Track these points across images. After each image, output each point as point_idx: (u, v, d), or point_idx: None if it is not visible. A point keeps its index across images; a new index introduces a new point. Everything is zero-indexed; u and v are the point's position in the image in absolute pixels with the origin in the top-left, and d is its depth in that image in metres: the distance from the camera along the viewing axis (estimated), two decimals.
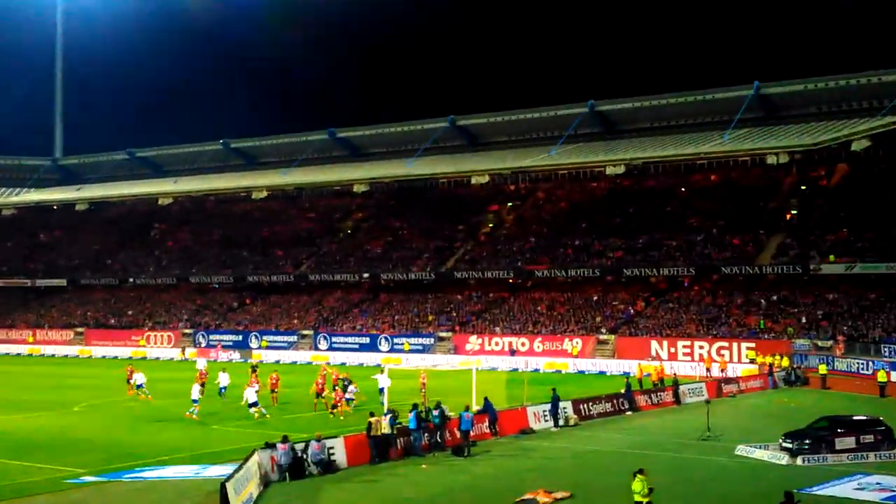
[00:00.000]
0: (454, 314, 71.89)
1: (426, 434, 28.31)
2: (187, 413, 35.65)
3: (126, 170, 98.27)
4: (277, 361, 66.72)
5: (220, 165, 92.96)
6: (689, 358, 57.00)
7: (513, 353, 63.70)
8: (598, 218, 75.07)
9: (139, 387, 42.79)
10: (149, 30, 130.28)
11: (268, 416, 35.79)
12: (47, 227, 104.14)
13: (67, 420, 36.24)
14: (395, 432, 27.43)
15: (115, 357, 74.66)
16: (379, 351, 68.32)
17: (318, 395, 38.54)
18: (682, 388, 42.09)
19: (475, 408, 32.05)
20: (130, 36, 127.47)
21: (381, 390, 36.96)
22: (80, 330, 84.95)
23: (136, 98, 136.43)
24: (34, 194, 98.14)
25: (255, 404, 36.02)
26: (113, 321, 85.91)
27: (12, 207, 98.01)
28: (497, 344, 65.68)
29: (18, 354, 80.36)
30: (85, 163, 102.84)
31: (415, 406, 28.68)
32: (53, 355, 79.15)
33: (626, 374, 50.75)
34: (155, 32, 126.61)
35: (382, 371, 38.95)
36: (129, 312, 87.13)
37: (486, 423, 31.18)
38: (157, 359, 73.17)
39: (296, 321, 77.07)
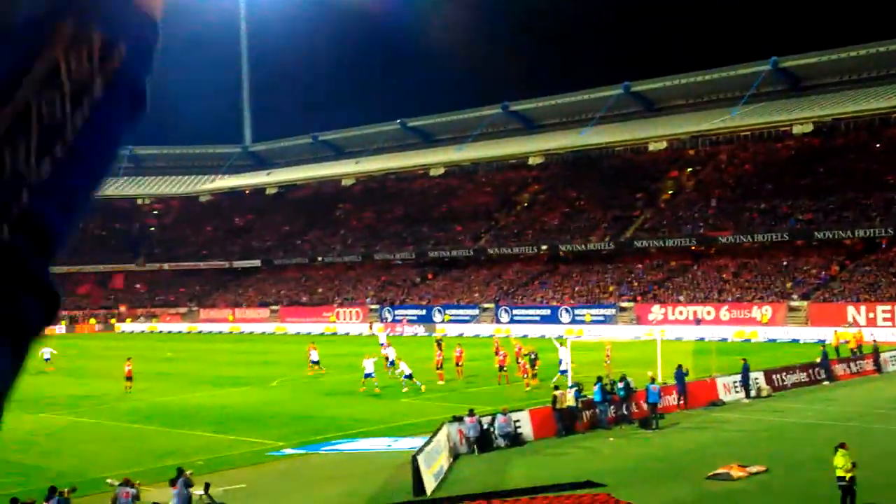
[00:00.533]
0: (635, 284, 70.83)
1: (612, 407, 28.13)
2: (361, 388, 36.57)
3: (310, 153, 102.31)
4: (460, 335, 67.74)
5: (398, 144, 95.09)
6: (889, 323, 53.91)
7: (698, 322, 62.16)
8: (785, 179, 71.86)
9: (315, 363, 44.40)
10: (326, 18, 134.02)
11: (423, 387, 36.31)
12: (241, 211, 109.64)
13: (266, 395, 38.13)
14: (580, 405, 27.40)
15: (309, 333, 77.85)
16: (560, 323, 68.16)
17: (501, 368, 38.86)
18: (883, 355, 39.91)
19: (660, 379, 31.57)
20: (309, 26, 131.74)
21: (561, 362, 36.89)
22: (275, 308, 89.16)
23: (317, 84, 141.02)
24: (228, 180, 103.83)
25: (409, 377, 36.85)
26: (305, 299, 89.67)
27: (209, 194, 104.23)
28: (681, 313, 64.24)
29: (220, 332, 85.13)
30: (272, 148, 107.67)
31: (599, 379, 28.53)
32: (252, 332, 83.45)
33: (822, 342, 48.52)
34: (331, 20, 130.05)
35: (563, 343, 38.80)
36: (320, 290, 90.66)
37: (675, 395, 30.62)
38: (347, 334, 75.88)
39: (477, 295, 78.02)
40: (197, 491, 19.40)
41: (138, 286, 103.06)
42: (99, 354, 58.94)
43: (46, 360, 46.41)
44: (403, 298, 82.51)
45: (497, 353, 40.50)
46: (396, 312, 79.07)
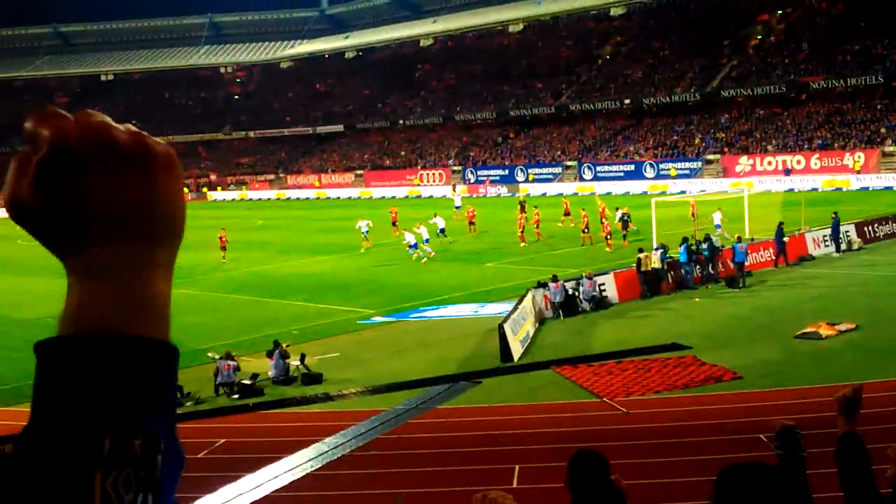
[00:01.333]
0: (722, 135, 69.17)
1: (698, 266, 28.03)
2: (418, 257, 36.67)
3: (388, 13, 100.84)
4: (543, 194, 67.62)
5: (477, 1, 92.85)
6: None
7: (787, 172, 60.72)
8: (880, 18, 68.19)
9: (364, 233, 42.32)
10: None
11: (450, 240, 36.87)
12: (322, 75, 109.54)
13: (354, 262, 38.90)
14: (665, 266, 27.35)
15: (393, 197, 78.82)
16: (644, 178, 67.39)
17: (585, 229, 38.60)
18: None
19: (748, 235, 31.19)
20: None
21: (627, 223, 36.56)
22: (359, 172, 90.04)
23: None
24: (307, 45, 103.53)
25: (442, 231, 39.33)
26: (388, 162, 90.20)
27: (289, 60, 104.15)
28: (770, 164, 62.76)
29: (307, 199, 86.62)
30: (350, 10, 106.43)
31: (685, 239, 28.32)
32: (338, 198, 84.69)
33: None
34: None
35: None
36: (402, 153, 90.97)
37: (772, 252, 30.25)
38: (431, 197, 76.40)
39: (559, 152, 77.31)
40: (293, 361, 20.24)
41: (225, 154, 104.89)
42: (191, 224, 60.52)
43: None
44: (485, 159, 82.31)
45: (566, 214, 41.13)
46: (479, 173, 79.09)
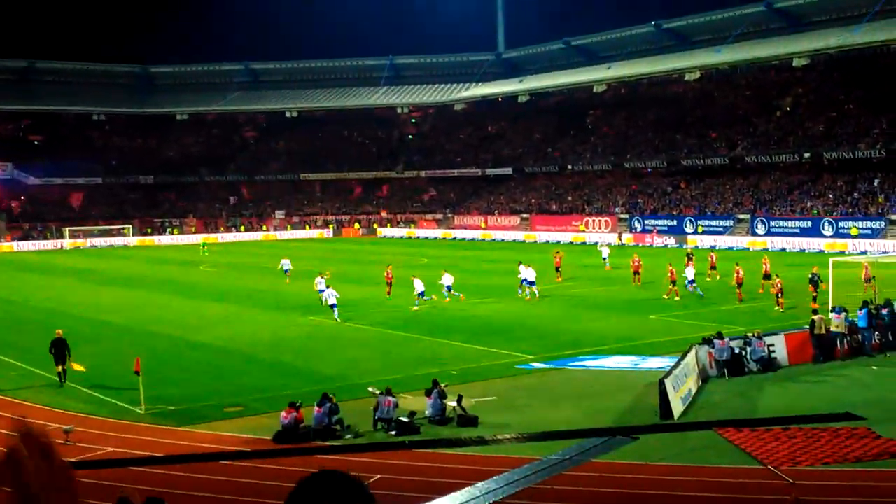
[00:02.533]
0: None
1: (877, 333, 26.57)
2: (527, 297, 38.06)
3: (562, 59, 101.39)
4: (713, 247, 65.76)
5: (652, 48, 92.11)
6: None
7: None
8: None
9: (529, 283, 40.91)
10: None
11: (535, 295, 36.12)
12: (494, 118, 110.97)
13: (517, 306, 38.96)
14: (844, 330, 26.03)
15: (558, 241, 78.57)
16: (822, 236, 64.55)
17: (738, 284, 37.31)
18: None
19: None
20: None
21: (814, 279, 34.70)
22: (525, 216, 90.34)
23: None
24: (481, 88, 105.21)
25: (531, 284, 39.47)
26: (554, 207, 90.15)
27: (463, 102, 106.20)
28: None
29: (473, 239, 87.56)
30: (525, 55, 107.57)
31: (865, 303, 26.95)
32: (503, 240, 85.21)
33: None
34: None
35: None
36: (569, 198, 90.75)
37: None
38: (596, 244, 75.75)
39: (731, 205, 75.21)
40: (450, 402, 20.41)
41: (397, 193, 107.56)
42: (360, 259, 62.37)
43: (286, 272, 48.93)
44: (654, 208, 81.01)
45: (712, 268, 42.18)
46: (646, 222, 77.89)
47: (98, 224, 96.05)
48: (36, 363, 27.55)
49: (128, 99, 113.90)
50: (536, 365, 25.90)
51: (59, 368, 25.03)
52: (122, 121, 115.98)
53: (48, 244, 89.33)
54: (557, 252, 50.28)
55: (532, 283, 40.00)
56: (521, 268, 41.40)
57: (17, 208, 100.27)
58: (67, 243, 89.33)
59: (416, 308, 37.71)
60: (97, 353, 29.42)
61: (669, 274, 38.79)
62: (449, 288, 39.93)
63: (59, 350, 25.11)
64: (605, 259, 52.44)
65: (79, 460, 17.65)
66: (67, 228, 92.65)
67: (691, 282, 38.41)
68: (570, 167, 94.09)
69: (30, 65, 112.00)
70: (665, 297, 38.55)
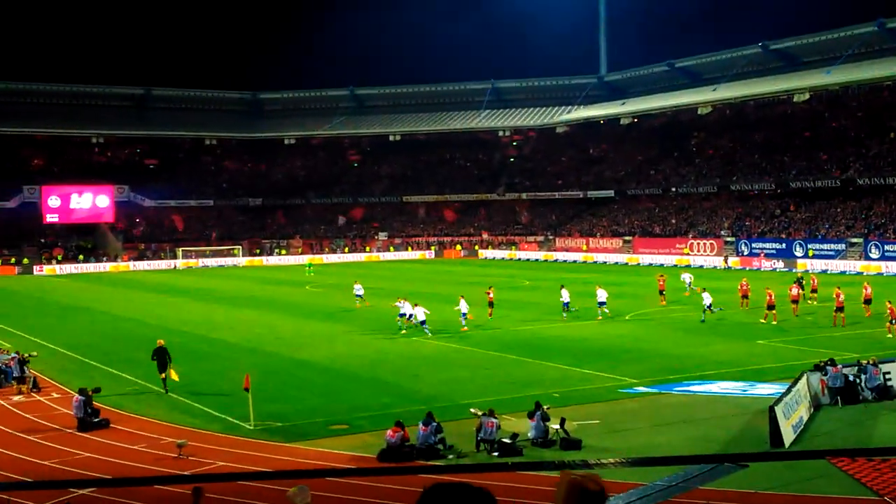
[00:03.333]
0: None
1: None
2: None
3: (666, 81, 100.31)
4: (824, 271, 63.92)
5: (759, 69, 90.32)
6: None
7: None
8: None
9: (600, 304, 41.75)
10: None
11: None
12: (596, 141, 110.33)
13: (620, 328, 38.57)
14: None
15: (661, 265, 77.51)
16: None
17: (839, 308, 36.45)
18: None
19: None
20: None
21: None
22: (627, 238, 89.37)
23: (673, 9, 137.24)
24: (583, 111, 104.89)
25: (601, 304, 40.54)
26: (657, 230, 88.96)
27: (565, 125, 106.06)
28: None
29: (574, 262, 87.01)
30: (627, 77, 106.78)
31: None
32: (605, 262, 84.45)
33: None
34: None
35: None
36: (673, 221, 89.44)
37: None
38: (701, 267, 74.43)
39: (843, 228, 72.92)
40: (553, 424, 20.35)
41: (497, 215, 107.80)
42: (461, 280, 62.60)
43: (359, 296, 47.97)
44: (762, 231, 79.15)
45: (813, 291, 41.75)
46: (753, 246, 76.14)
47: (209, 245, 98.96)
48: (151, 379, 28.57)
49: (238, 124, 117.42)
50: (640, 389, 25.58)
51: (162, 376, 26.79)
52: (233, 145, 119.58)
53: (162, 264, 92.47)
54: (661, 275, 49.58)
55: (603, 304, 41.64)
56: (599, 290, 42.35)
57: (133, 229, 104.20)
58: (180, 263, 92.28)
59: (464, 328, 38.29)
60: (209, 370, 30.36)
61: (768, 297, 37.97)
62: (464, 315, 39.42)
63: (161, 358, 26.89)
64: (688, 285, 51.02)
65: (191, 473, 18.26)
66: (180, 249, 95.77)
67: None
68: (673, 189, 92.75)
69: (146, 92, 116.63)
70: (762, 321, 37.76)
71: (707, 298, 39.86)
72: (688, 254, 79.94)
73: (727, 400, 24.14)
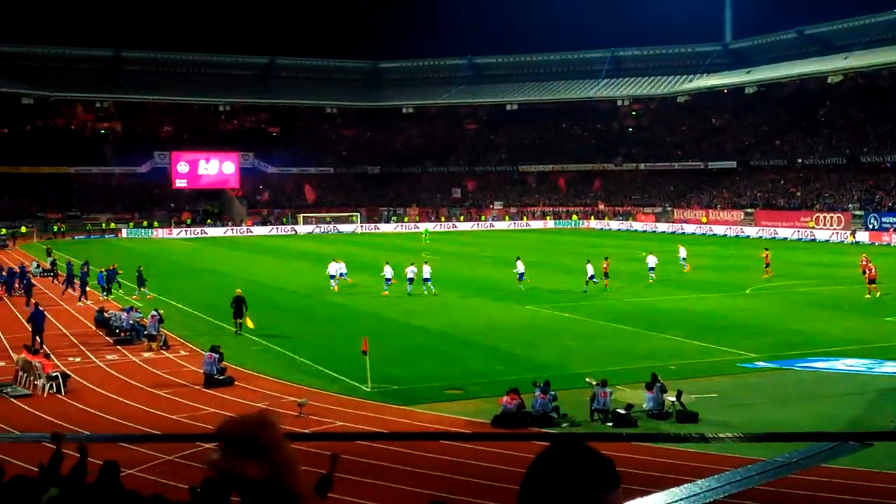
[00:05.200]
0: None
1: None
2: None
3: (794, 49, 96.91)
4: None
5: (894, 37, 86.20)
6: None
7: None
8: None
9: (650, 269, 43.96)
10: None
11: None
12: (718, 110, 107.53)
13: (739, 302, 37.74)
14: None
15: (784, 238, 75.31)
16: None
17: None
18: None
19: None
20: None
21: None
22: (749, 210, 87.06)
23: None
24: (706, 80, 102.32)
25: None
26: (781, 202, 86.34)
27: (686, 94, 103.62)
28: None
29: (693, 234, 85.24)
30: (753, 45, 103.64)
31: None
32: (724, 235, 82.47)
33: None
34: None
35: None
36: (798, 193, 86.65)
37: None
38: (827, 241, 72.00)
39: None
40: (669, 397, 20.17)
41: (614, 185, 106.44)
42: (576, 251, 62.23)
43: (342, 275, 43.45)
44: (893, 205, 75.91)
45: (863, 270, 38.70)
46: (883, 220, 73.14)
47: (328, 211, 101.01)
48: (275, 340, 29.54)
49: (358, 93, 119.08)
50: (761, 364, 25.04)
51: (238, 321, 30.82)
52: (353, 114, 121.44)
53: (284, 229, 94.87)
54: (766, 249, 48.14)
55: (652, 269, 43.74)
56: (649, 256, 44.90)
57: (256, 195, 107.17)
58: (301, 229, 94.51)
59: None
60: (328, 333, 31.18)
61: (868, 271, 37.23)
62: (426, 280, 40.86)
63: (238, 306, 30.89)
64: (683, 261, 49.51)
65: (311, 432, 18.86)
66: (301, 215, 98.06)
67: None
68: (799, 161, 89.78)
69: (270, 61, 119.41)
70: (867, 296, 36.57)
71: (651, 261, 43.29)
72: (812, 227, 77.35)
73: (851, 377, 23.44)
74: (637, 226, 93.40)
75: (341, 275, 42.84)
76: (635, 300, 38.50)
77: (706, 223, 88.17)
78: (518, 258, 42.13)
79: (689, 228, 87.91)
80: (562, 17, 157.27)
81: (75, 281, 42.64)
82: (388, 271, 41.66)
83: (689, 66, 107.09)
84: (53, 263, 51.97)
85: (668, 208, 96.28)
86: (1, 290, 43.42)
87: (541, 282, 43.37)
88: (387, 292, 40.73)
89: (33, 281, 43.69)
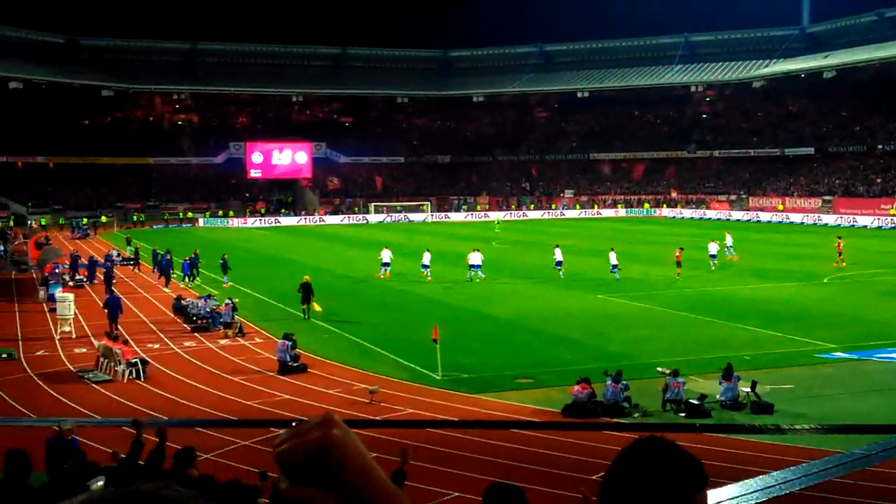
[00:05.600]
0: None
1: None
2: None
3: (874, 32, 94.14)
4: None
5: None
6: None
7: None
8: None
9: (711, 257, 44.10)
10: None
11: None
12: (795, 96, 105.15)
13: (816, 291, 36.96)
14: None
15: (864, 227, 73.45)
16: None
17: None
18: None
19: None
20: None
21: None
22: (827, 198, 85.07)
23: None
24: (782, 64, 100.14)
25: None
26: (861, 189, 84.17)
27: (762, 79, 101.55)
28: None
29: (769, 222, 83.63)
30: (832, 28, 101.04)
31: None
32: (802, 223, 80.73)
33: None
34: None
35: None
36: (878, 180, 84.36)
37: None
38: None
39: None
40: (743, 387, 19.87)
41: (687, 173, 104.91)
42: (648, 240, 61.58)
43: (471, 267, 42.52)
44: None
45: None
46: None
47: (399, 200, 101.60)
48: (347, 328, 29.89)
49: (428, 82, 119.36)
50: (839, 354, 24.52)
51: (304, 306, 31.93)
52: (423, 103, 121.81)
53: (356, 218, 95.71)
54: (839, 237, 46.91)
55: (713, 256, 43.95)
56: (710, 244, 44.71)
57: (328, 185, 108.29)
58: (372, 218, 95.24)
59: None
60: (398, 321, 31.40)
61: None
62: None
63: (305, 292, 31.97)
64: (728, 249, 48.91)
65: (382, 419, 19.06)
66: (372, 204, 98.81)
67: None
68: (880, 147, 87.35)
69: (342, 51, 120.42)
70: None
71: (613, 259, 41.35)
72: (893, 215, 75.27)
73: None
74: (710, 214, 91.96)
75: (424, 267, 42.95)
76: (709, 289, 37.97)
77: (782, 211, 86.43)
78: (612, 249, 41.69)
79: (764, 216, 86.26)
80: (634, 3, 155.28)
81: (169, 269, 43.24)
82: (426, 258, 42.67)
83: (764, 50, 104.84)
84: (136, 252, 53.12)
85: (743, 196, 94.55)
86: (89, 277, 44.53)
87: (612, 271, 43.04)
88: (430, 278, 41.94)
89: (114, 270, 44.77)
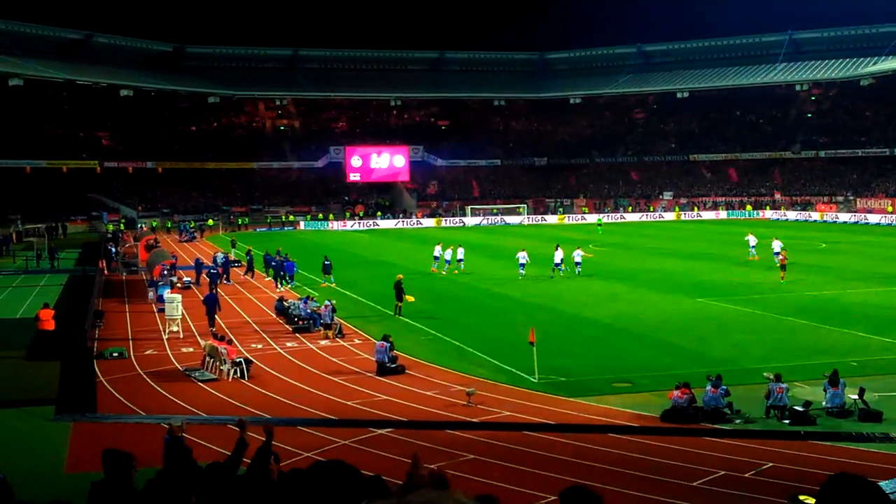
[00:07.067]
0: None
1: None
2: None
3: None
4: None
5: None
6: None
7: None
8: None
9: (775, 254, 43.05)
10: None
11: None
12: None
13: None
14: None
15: None
16: None
17: None
18: None
19: None
20: None
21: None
22: None
23: None
24: (891, 62, 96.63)
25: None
26: None
27: (870, 77, 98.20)
28: None
29: (878, 224, 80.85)
30: None
31: None
32: None
33: None
34: None
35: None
36: None
37: None
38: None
39: None
40: (850, 394, 19.32)
41: (791, 174, 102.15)
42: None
43: (521, 265, 43.80)
44: None
45: None
46: None
47: (495, 203, 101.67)
48: (444, 330, 30.09)
49: (525, 84, 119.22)
50: None
51: (398, 304, 33.43)
52: (520, 106, 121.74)
53: (453, 221, 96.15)
54: None
55: (777, 253, 42.66)
56: (774, 241, 44.57)
57: (426, 188, 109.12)
58: (468, 221, 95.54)
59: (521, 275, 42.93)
60: (496, 323, 31.48)
61: None
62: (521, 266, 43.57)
63: (398, 290, 33.61)
64: (752, 248, 49.48)
65: (480, 421, 19.15)
66: (469, 207, 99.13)
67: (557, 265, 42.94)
68: None
69: (440, 55, 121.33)
70: None
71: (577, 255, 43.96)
72: None
73: None
74: (816, 216, 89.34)
75: (521, 265, 43.76)
76: (814, 293, 36.95)
77: (892, 213, 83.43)
78: (557, 246, 45.13)
79: (873, 218, 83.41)
80: (735, 1, 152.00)
81: (281, 272, 43.86)
82: (437, 251, 46.91)
83: (873, 47, 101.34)
84: (249, 254, 52.09)
85: (851, 197, 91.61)
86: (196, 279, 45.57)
87: (713, 274, 42.32)
88: (444, 272, 45.36)
89: (223, 270, 45.70)
